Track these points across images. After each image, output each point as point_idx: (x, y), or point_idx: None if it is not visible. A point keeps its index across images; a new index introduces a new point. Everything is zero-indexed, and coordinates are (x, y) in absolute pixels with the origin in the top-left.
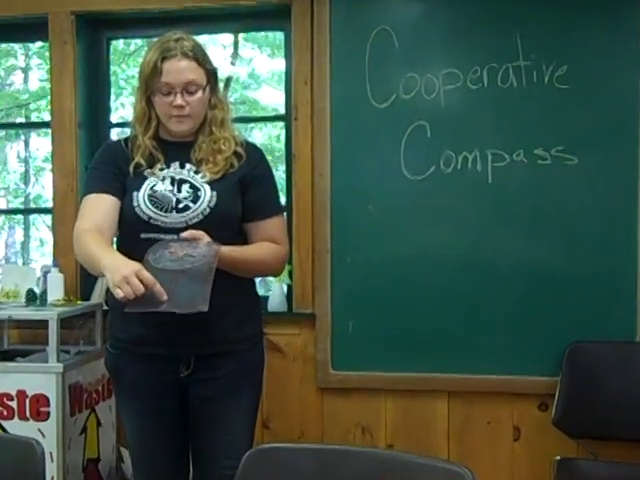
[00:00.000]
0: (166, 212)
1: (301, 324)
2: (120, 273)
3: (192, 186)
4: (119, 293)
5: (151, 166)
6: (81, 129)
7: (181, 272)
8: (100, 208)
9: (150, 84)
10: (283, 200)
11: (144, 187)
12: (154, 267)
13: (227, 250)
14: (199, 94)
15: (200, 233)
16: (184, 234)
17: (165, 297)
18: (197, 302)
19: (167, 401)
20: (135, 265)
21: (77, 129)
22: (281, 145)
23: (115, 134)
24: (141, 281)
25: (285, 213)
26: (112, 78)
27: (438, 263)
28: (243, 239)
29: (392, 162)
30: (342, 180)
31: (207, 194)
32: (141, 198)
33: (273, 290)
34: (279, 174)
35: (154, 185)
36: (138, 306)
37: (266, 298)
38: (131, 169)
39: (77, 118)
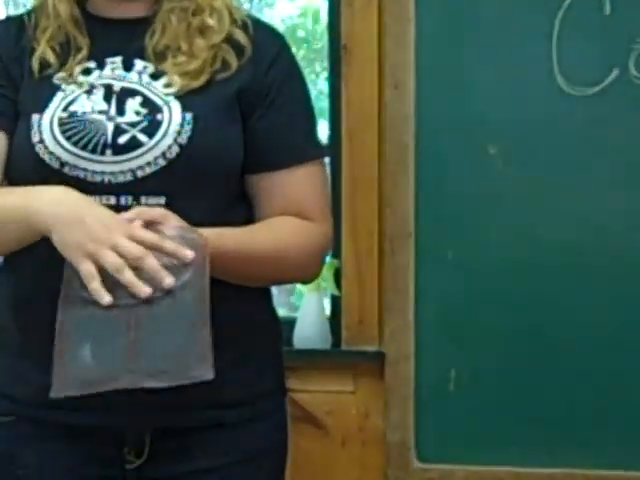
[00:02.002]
0: (94, 152)
1: (358, 374)
2: (96, 233)
3: (146, 102)
4: (93, 278)
5: (66, 64)
6: None
7: (147, 307)
8: None
9: None
10: (323, 136)
11: (53, 105)
12: (87, 299)
13: (214, 238)
14: None
15: (163, 213)
16: (129, 215)
17: (169, 280)
18: (190, 362)
19: None
20: (110, 213)
21: None
22: (321, 29)
23: (2, 8)
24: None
25: (327, 161)
26: None
27: (625, 262)
28: (245, 210)
29: (535, 62)
30: (438, 98)
31: (175, 118)
32: (46, 126)
33: (304, 307)
34: (317, 85)
35: (72, 101)
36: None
37: (290, 323)
38: (34, 67)
39: None
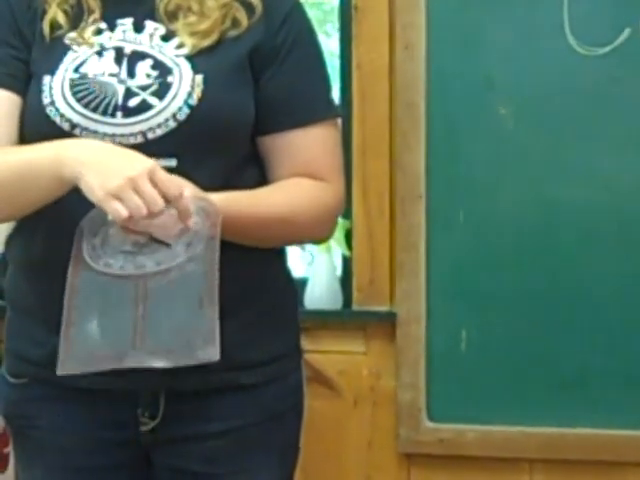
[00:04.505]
0: (104, 114)
1: (369, 334)
2: (121, 171)
3: (157, 64)
4: (119, 211)
5: (77, 26)
6: None
7: (156, 278)
8: None
9: None
10: (335, 97)
11: (63, 67)
12: (95, 269)
13: (224, 203)
14: None
15: (173, 180)
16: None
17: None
18: (196, 342)
19: (115, 478)
20: (141, 156)
21: None
22: None
23: None
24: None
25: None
26: None
27: (638, 222)
28: (257, 173)
29: (546, 22)
30: (448, 59)
31: (186, 80)
32: (57, 88)
33: (315, 269)
34: (327, 46)
35: (83, 63)
36: (82, 355)
37: (302, 283)
38: (45, 29)
39: None
